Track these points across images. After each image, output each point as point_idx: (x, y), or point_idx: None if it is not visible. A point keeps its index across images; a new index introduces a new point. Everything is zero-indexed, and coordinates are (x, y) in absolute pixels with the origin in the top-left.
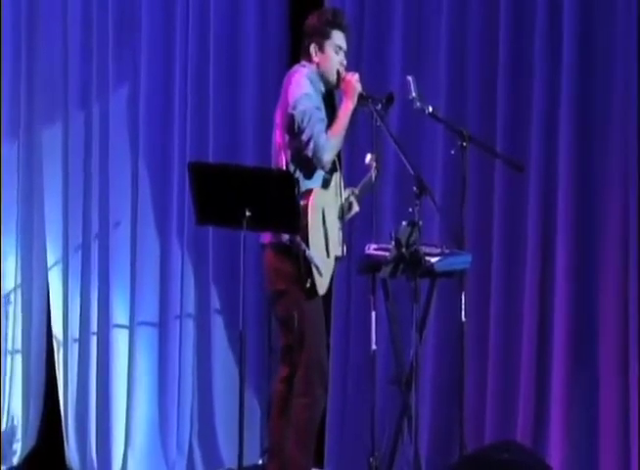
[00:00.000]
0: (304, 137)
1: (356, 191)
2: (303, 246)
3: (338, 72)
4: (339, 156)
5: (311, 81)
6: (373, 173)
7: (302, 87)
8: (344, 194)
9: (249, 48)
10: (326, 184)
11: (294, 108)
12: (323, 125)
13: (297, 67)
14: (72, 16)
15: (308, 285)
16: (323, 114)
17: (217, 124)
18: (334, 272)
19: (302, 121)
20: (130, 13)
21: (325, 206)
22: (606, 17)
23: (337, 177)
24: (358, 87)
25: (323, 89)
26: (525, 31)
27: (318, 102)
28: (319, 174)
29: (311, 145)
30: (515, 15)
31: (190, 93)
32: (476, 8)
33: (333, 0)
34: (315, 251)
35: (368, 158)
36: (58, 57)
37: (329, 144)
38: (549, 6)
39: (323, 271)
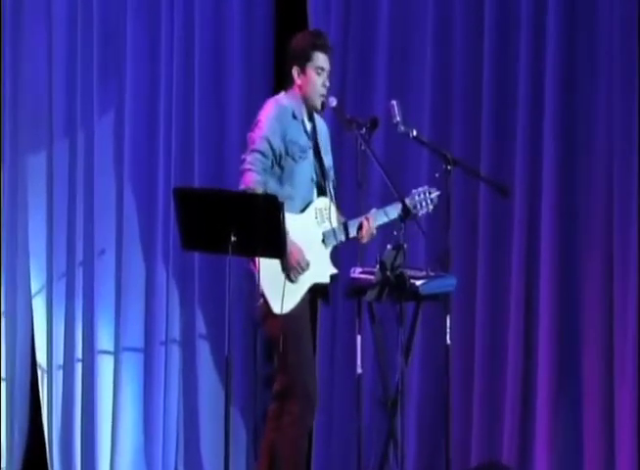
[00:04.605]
0: (242, 156)
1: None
2: (251, 266)
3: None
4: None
5: (281, 111)
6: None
7: (267, 111)
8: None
9: (234, 73)
10: (302, 209)
11: (251, 130)
12: (261, 158)
13: (274, 97)
14: (57, 42)
15: (258, 303)
16: (268, 146)
17: (202, 150)
18: (322, 295)
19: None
20: (115, 39)
21: (292, 229)
22: (589, 43)
23: (322, 202)
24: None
25: (304, 113)
26: (510, 53)
27: (278, 132)
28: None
29: (243, 166)
30: (499, 38)
31: (175, 119)
32: (460, 31)
33: (317, 23)
34: (268, 270)
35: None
36: (42, 83)
37: (245, 178)
38: (533, 28)
39: (272, 291)
